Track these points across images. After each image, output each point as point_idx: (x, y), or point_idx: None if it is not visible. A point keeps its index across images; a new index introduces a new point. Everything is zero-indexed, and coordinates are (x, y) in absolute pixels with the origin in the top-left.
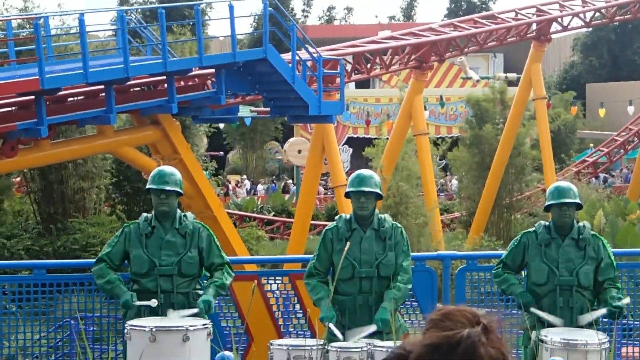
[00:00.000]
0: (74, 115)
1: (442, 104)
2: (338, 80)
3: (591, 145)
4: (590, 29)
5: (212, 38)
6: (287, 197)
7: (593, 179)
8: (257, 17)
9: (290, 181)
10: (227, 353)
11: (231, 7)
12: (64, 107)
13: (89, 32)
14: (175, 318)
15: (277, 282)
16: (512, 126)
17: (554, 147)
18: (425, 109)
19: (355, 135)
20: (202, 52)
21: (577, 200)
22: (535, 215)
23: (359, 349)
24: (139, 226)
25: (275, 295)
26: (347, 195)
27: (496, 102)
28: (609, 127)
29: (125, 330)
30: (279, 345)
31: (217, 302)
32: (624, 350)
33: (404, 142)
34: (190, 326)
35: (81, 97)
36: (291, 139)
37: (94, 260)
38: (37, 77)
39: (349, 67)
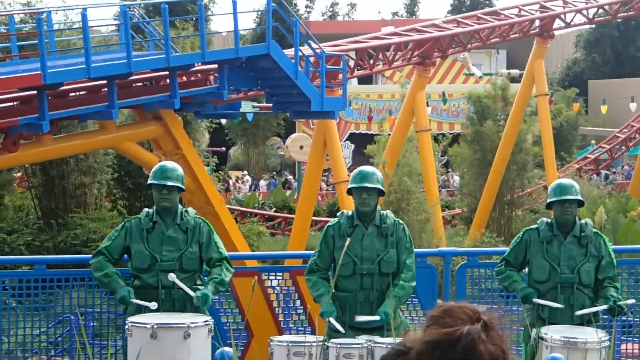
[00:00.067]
0: (75, 110)
1: (444, 100)
2: (341, 76)
3: (593, 142)
4: (593, 26)
5: (215, 33)
6: (288, 193)
7: (594, 175)
8: (260, 13)
9: (291, 177)
10: (226, 349)
11: (234, 3)
12: (66, 102)
13: (92, 27)
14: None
15: (277, 278)
16: (514, 123)
17: (556, 143)
18: (428, 105)
19: (357, 131)
20: (205, 47)
21: (579, 197)
22: (537, 212)
23: (359, 345)
24: (141, 221)
25: (275, 291)
26: (349, 191)
27: (497, 99)
28: (611, 124)
29: (126, 327)
30: (279, 341)
31: (217, 297)
32: (623, 347)
33: (405, 141)
34: (192, 323)
35: (83, 92)
36: (293, 135)
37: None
38: (40, 72)
39: (351, 63)
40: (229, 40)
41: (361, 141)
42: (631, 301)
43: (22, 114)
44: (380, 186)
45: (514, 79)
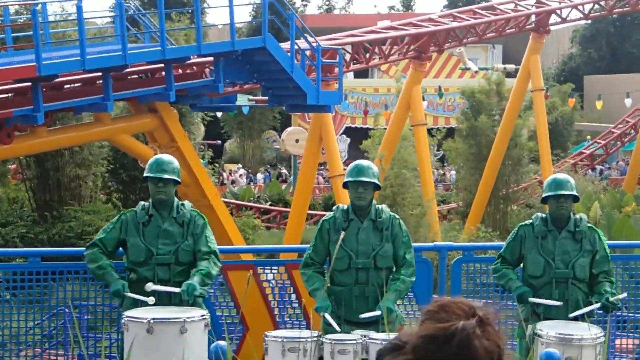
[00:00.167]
0: (70, 102)
1: (440, 94)
2: (337, 69)
3: (588, 137)
4: (589, 21)
5: (211, 26)
6: (284, 186)
7: (589, 171)
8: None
9: (285, 170)
10: (221, 343)
11: None
12: (61, 94)
13: (87, 18)
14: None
15: (273, 271)
16: (510, 117)
17: (552, 139)
18: (424, 100)
19: (353, 125)
20: (201, 40)
21: (574, 193)
22: (532, 206)
23: (354, 341)
24: (136, 214)
25: (271, 285)
26: (345, 185)
27: (492, 94)
28: (606, 120)
29: (122, 321)
30: (274, 337)
31: (212, 291)
32: (617, 342)
33: (400, 139)
34: (188, 317)
35: (78, 84)
36: (289, 128)
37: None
38: (34, 63)
39: (347, 56)
40: (225, 33)
41: (357, 135)
42: (623, 295)
43: (17, 106)
44: (376, 180)
45: (510, 74)
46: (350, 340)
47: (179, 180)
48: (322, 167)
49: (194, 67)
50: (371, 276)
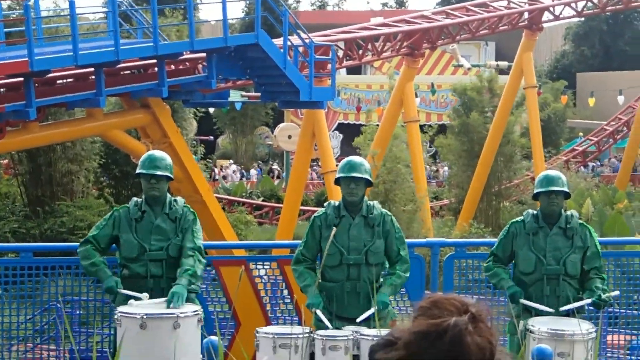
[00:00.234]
0: (63, 97)
1: (433, 91)
2: (329, 66)
3: (581, 134)
4: (582, 19)
5: (204, 22)
6: (276, 182)
7: (582, 167)
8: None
9: (276, 166)
10: (213, 338)
11: None
12: (53, 90)
13: (80, 14)
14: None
15: (265, 267)
16: (502, 114)
17: (544, 136)
18: (417, 96)
19: (345, 122)
20: (194, 36)
21: (566, 189)
22: (524, 203)
23: (345, 337)
24: (129, 210)
25: (263, 281)
26: (337, 181)
27: (484, 91)
28: (598, 117)
29: (115, 316)
30: (265, 333)
31: (204, 286)
32: (609, 338)
33: (391, 137)
34: (181, 313)
35: (71, 80)
36: (281, 124)
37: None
38: (27, 58)
39: (340, 53)
40: (218, 29)
41: (349, 131)
42: (615, 293)
43: (9, 101)
44: (368, 176)
45: (503, 71)
46: (342, 336)
47: (172, 176)
48: (316, 164)
49: (187, 63)
50: (362, 272)
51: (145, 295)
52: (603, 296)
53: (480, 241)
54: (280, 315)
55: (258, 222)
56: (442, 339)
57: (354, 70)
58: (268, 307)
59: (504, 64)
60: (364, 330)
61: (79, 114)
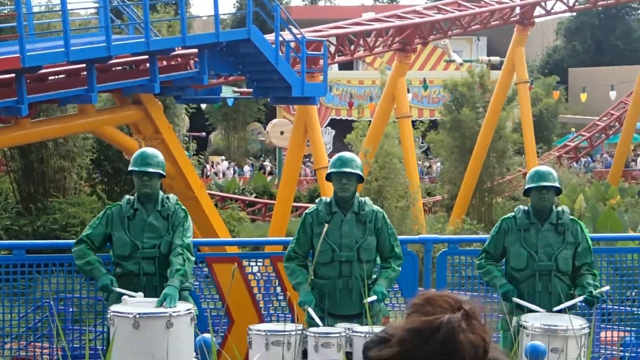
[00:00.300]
0: (55, 94)
1: (425, 86)
2: (321, 61)
3: (573, 129)
4: (574, 14)
5: (195, 17)
6: (269, 178)
7: (574, 163)
8: None
9: (267, 162)
10: (206, 336)
11: None
12: (45, 86)
13: (71, 9)
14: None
15: (258, 264)
16: (494, 110)
17: (536, 131)
18: (409, 92)
19: (338, 117)
20: (185, 31)
21: (557, 185)
22: (517, 199)
23: (338, 334)
24: (122, 208)
25: (256, 278)
26: (328, 177)
27: (475, 86)
28: (590, 112)
29: (108, 316)
30: (258, 330)
31: (197, 284)
32: (602, 334)
33: (383, 136)
34: (174, 312)
35: (62, 76)
36: (274, 120)
37: (74, 240)
38: (18, 54)
39: (332, 48)
40: (210, 25)
41: (342, 127)
42: (605, 288)
43: (1, 97)
44: (359, 172)
45: (495, 66)
46: (334, 334)
47: (164, 173)
48: (309, 160)
49: (179, 59)
50: (354, 269)
51: (140, 294)
52: (594, 292)
53: (473, 237)
54: (273, 312)
55: (251, 218)
56: (435, 336)
57: (345, 66)
58: (261, 304)
59: (495, 59)
60: (357, 327)
61: (71, 110)
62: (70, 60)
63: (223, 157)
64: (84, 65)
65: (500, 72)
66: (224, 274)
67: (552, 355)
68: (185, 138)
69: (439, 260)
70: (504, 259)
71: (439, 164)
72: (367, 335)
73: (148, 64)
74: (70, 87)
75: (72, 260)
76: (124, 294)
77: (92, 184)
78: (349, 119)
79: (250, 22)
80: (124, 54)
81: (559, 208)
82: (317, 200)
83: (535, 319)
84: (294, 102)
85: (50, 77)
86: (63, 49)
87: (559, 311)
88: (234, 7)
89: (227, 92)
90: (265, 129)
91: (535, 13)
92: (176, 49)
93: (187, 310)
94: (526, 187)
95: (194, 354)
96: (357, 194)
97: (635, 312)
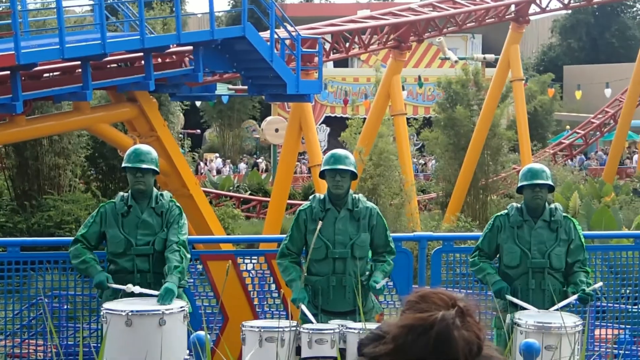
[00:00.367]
0: (49, 91)
1: (420, 84)
2: (316, 59)
3: (567, 127)
4: (569, 12)
5: (190, 15)
6: (264, 176)
7: (569, 161)
8: None
9: (260, 160)
10: (200, 333)
11: None
12: (40, 83)
13: (66, 7)
14: (134, 291)
15: (252, 261)
16: (489, 107)
17: (531, 129)
18: (404, 89)
19: (333, 115)
20: (180, 29)
21: (550, 182)
22: (511, 196)
23: (331, 331)
24: (115, 205)
25: (250, 275)
26: (322, 174)
27: (470, 84)
28: (585, 110)
29: (102, 313)
30: (251, 326)
31: (192, 281)
32: (597, 332)
33: (377, 136)
34: (167, 310)
35: (57, 73)
36: (268, 118)
37: (69, 238)
38: (13, 52)
39: (327, 46)
40: (205, 22)
41: (337, 124)
42: (598, 285)
43: None
44: (353, 168)
45: (490, 64)
46: (328, 330)
47: (158, 170)
48: (305, 157)
49: (174, 56)
50: (348, 266)
51: (136, 288)
52: (587, 290)
53: (468, 235)
54: (268, 309)
55: (245, 216)
56: (429, 333)
57: (340, 63)
58: (256, 302)
59: (490, 56)
60: (350, 323)
61: (66, 108)
62: (65, 58)
63: (217, 155)
64: (78, 62)
65: (495, 70)
66: (218, 272)
67: (546, 352)
68: (180, 135)
69: (434, 257)
70: (497, 257)
71: (434, 161)
72: (361, 332)
73: (143, 62)
74: (65, 84)
75: (66, 257)
76: (120, 289)
77: (86, 181)
78: (344, 116)
79: (245, 20)
80: (119, 52)
81: (552, 205)
82: (310, 197)
83: (529, 317)
84: (289, 100)
85: (45, 75)
86: (58, 47)
87: (554, 304)
88: (229, 5)
89: (222, 89)
90: (260, 126)
91: (531, 11)
92: (171, 46)
93: (180, 307)
94: (519, 184)
95: (187, 351)
96: (351, 191)
97: (630, 310)
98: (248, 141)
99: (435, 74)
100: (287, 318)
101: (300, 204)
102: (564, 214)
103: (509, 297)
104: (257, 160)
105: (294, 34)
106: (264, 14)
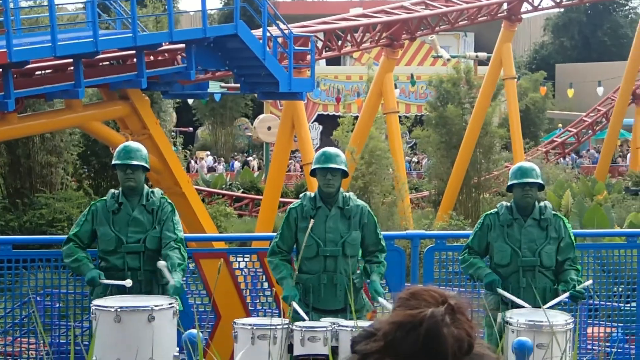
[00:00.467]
0: (42, 88)
1: (412, 82)
2: (309, 57)
3: (560, 125)
4: (562, 10)
5: (183, 13)
6: (256, 174)
7: (561, 159)
8: None
9: (251, 158)
10: (193, 331)
11: None
12: (32, 81)
13: (58, 4)
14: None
15: (245, 259)
16: (482, 106)
17: (523, 127)
18: (396, 87)
19: (325, 113)
20: (173, 26)
21: (540, 181)
22: (504, 194)
23: (324, 328)
24: (106, 203)
25: (243, 273)
26: (313, 173)
27: (461, 82)
28: (577, 108)
29: (91, 310)
30: (243, 324)
31: (184, 279)
32: (589, 330)
33: (368, 137)
34: (156, 306)
35: (49, 71)
36: (261, 116)
37: (61, 236)
38: (5, 49)
39: (319, 44)
40: (197, 20)
41: (329, 122)
42: (588, 282)
43: None
44: (344, 167)
45: (482, 62)
46: (320, 328)
47: (148, 166)
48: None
49: (166, 54)
50: (339, 264)
51: (128, 281)
52: (578, 287)
53: (461, 233)
54: (260, 307)
55: (238, 214)
56: (418, 330)
57: (333, 61)
58: (248, 300)
59: (483, 55)
60: (343, 321)
61: (58, 105)
62: (57, 55)
63: (208, 152)
64: (71, 60)
65: (487, 68)
66: (211, 270)
67: (538, 351)
68: (173, 133)
69: (426, 256)
70: (487, 255)
71: (427, 159)
72: (353, 330)
73: (135, 59)
74: (57, 82)
75: (58, 255)
76: (111, 285)
77: (78, 179)
78: (336, 114)
79: (238, 18)
80: (111, 49)
81: (542, 203)
82: (301, 195)
83: (520, 315)
84: (282, 98)
85: (37, 72)
86: (50, 44)
87: (546, 301)
88: (222, 3)
89: (214, 87)
90: (252, 124)
91: (523, 9)
92: (163, 44)
93: (170, 304)
94: (509, 183)
95: (177, 348)
96: (342, 189)
97: (622, 308)
98: (240, 139)
99: (427, 72)
100: (279, 316)
101: (292, 202)
102: (554, 212)
103: (500, 291)
104: (248, 159)
105: (286, 31)
106: (256, 11)
